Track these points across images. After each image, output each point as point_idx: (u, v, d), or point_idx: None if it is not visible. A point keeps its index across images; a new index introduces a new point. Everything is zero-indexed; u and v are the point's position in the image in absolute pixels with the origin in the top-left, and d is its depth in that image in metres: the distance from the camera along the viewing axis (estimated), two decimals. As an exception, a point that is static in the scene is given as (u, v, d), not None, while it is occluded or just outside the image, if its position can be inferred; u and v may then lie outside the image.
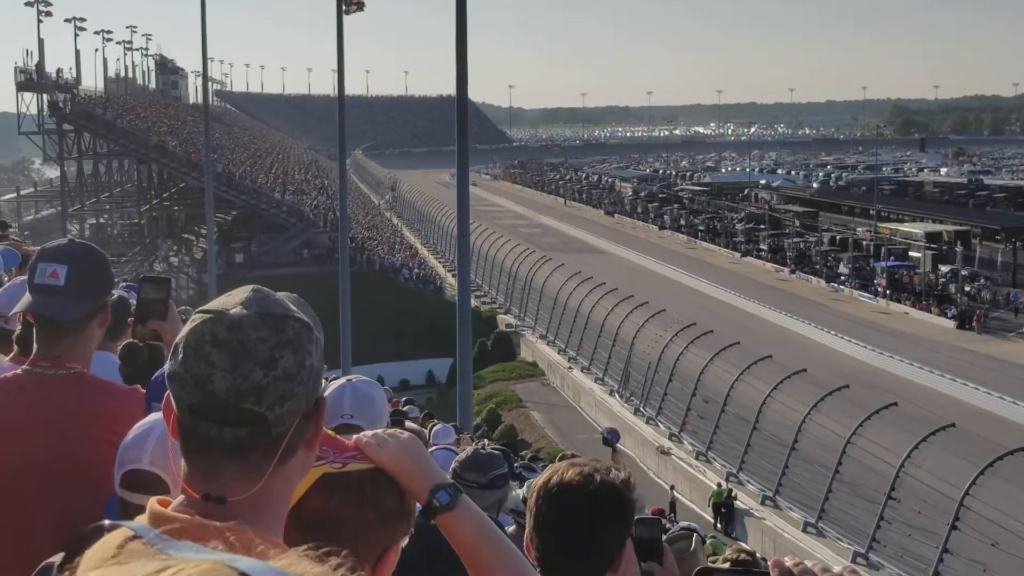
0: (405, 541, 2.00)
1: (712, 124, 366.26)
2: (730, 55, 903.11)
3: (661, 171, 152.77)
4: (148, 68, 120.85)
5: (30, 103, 76.26)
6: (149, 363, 4.39)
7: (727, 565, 4.10)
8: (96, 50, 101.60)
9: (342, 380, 3.48)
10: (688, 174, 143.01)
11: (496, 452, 5.56)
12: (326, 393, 3.40)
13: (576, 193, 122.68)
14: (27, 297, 3.04)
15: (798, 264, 68.62)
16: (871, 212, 78.77)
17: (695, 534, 4.69)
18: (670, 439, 32.79)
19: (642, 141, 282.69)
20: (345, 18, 35.54)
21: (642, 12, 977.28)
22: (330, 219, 68.94)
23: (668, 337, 35.17)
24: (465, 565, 2.09)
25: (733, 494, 27.72)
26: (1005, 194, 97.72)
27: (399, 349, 51.50)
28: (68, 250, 3.10)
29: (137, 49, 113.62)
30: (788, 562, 1.34)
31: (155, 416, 2.48)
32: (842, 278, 63.30)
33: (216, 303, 1.59)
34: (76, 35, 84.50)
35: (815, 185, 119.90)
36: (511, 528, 4.72)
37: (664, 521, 11.65)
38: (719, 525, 26.68)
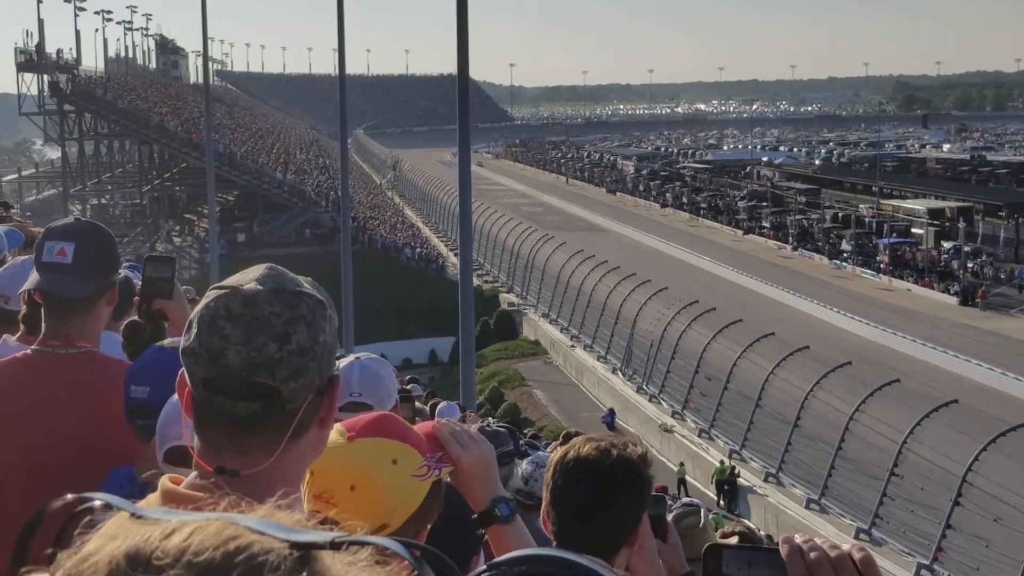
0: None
1: (714, 101, 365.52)
2: (732, 32, 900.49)
3: (663, 149, 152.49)
4: (148, 48, 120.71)
5: (31, 84, 76.28)
6: (153, 341, 4.38)
7: (734, 539, 4.12)
8: (96, 30, 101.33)
9: (351, 358, 3.48)
10: (690, 152, 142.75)
11: (502, 429, 5.58)
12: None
13: (578, 171, 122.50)
14: (35, 275, 3.04)
15: (800, 241, 68.56)
16: (873, 189, 78.60)
17: (703, 510, 4.69)
18: (673, 417, 32.85)
19: (644, 119, 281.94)
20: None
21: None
22: (332, 199, 68.91)
23: (671, 315, 35.19)
24: None
25: (736, 471, 27.78)
26: (1008, 170, 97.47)
27: (401, 328, 51.56)
28: (75, 228, 3.10)
29: (137, 29, 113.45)
30: (798, 539, 1.35)
31: None
32: (844, 255, 63.25)
33: (231, 280, 1.60)
34: (76, 15, 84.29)
35: (817, 162, 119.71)
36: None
37: (668, 499, 11.64)
38: (722, 502, 26.75)
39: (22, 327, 3.31)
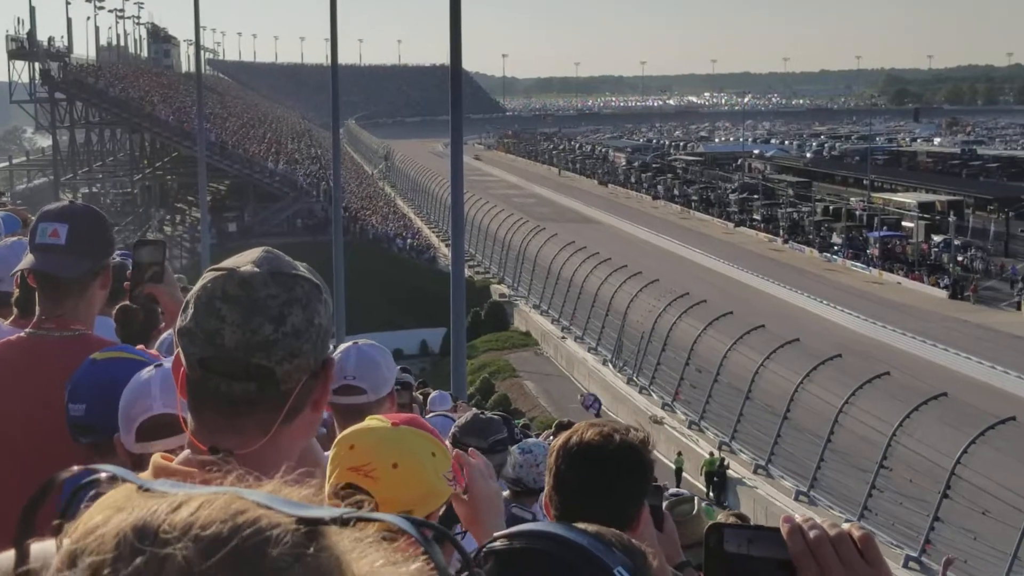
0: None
1: (706, 94, 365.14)
2: (724, 25, 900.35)
3: (655, 141, 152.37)
4: (140, 37, 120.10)
5: (21, 71, 76.03)
6: (146, 327, 4.38)
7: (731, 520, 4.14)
8: (88, 18, 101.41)
9: (349, 343, 3.49)
10: (682, 144, 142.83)
11: (495, 417, 5.59)
12: (333, 355, 3.45)
13: (570, 163, 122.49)
14: (29, 256, 3.05)
15: (791, 234, 68.65)
16: (864, 182, 78.73)
17: (696, 498, 4.72)
18: (663, 408, 32.91)
19: (636, 111, 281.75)
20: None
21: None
22: (323, 189, 68.81)
23: (661, 307, 35.24)
24: None
25: (726, 463, 27.85)
26: (998, 164, 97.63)
27: (392, 319, 51.49)
28: (68, 210, 3.13)
29: (129, 17, 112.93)
30: (798, 518, 1.37)
31: (148, 371, 2.47)
32: (835, 248, 63.35)
33: (228, 262, 1.62)
34: (68, 3, 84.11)
35: (809, 155, 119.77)
36: (505, 493, 4.75)
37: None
38: (711, 494, 26.82)
39: (16, 311, 3.31)
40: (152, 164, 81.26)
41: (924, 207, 67.08)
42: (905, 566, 21.43)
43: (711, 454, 28.39)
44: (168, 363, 2.50)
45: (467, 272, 36.44)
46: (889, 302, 50.45)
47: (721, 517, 4.83)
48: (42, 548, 0.88)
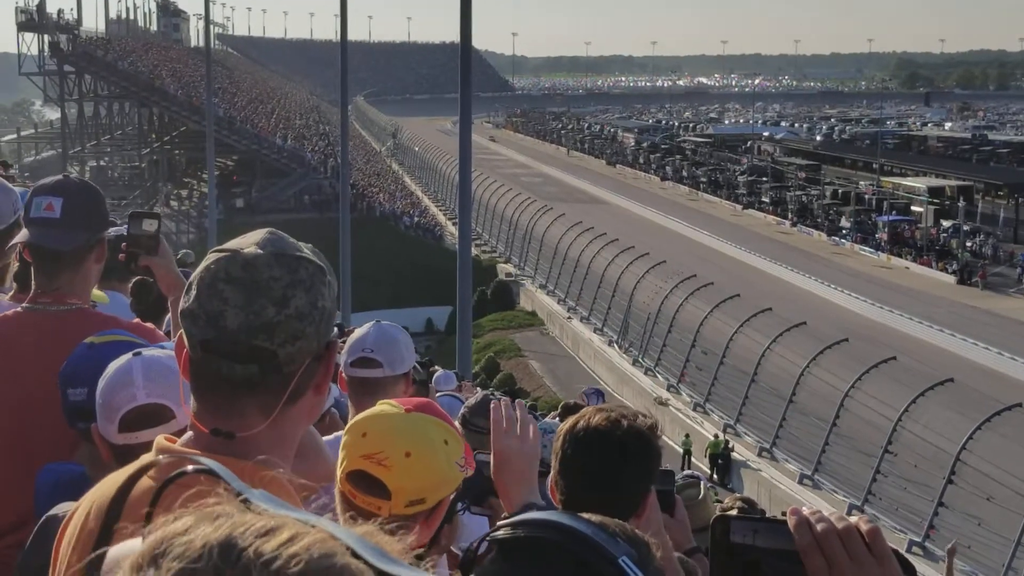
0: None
1: (716, 75, 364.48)
2: (736, 6, 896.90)
3: (664, 122, 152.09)
4: (150, 10, 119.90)
5: (31, 43, 75.99)
6: (160, 299, 4.37)
7: (734, 512, 4.12)
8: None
9: (371, 322, 3.55)
10: (691, 125, 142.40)
11: (506, 399, 5.57)
12: (355, 332, 3.48)
13: (578, 143, 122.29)
14: (24, 231, 3.05)
15: (800, 217, 68.52)
16: (874, 166, 78.43)
17: (701, 481, 4.70)
18: (668, 390, 32.93)
19: (645, 91, 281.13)
20: (348, -38, 35.19)
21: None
22: (331, 165, 68.76)
23: (668, 288, 35.21)
24: None
25: (730, 446, 27.88)
26: (1009, 149, 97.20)
27: (398, 296, 51.56)
28: (63, 184, 3.12)
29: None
30: (805, 510, 1.35)
31: (125, 358, 2.40)
32: (843, 232, 63.23)
33: (231, 243, 1.60)
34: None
35: (818, 138, 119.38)
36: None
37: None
38: (715, 476, 26.85)
39: (14, 285, 3.31)
40: (160, 138, 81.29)
41: (934, 192, 66.84)
42: (909, 551, 21.44)
43: (716, 436, 28.42)
44: (157, 349, 2.47)
45: (474, 251, 36.37)
46: (897, 287, 50.37)
47: (728, 501, 4.81)
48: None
